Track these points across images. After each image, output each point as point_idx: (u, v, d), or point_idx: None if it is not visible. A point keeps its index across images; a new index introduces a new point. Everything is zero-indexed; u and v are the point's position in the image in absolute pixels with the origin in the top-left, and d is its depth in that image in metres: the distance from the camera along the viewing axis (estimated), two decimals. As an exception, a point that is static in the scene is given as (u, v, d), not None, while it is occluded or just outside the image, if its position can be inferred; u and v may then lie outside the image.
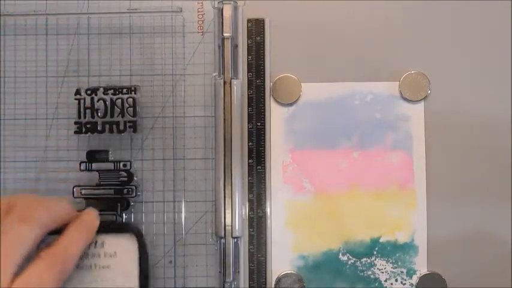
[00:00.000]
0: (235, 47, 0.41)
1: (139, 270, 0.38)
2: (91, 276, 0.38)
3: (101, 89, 0.41)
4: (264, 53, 0.42)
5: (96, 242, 0.38)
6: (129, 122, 0.41)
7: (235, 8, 0.41)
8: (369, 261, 0.42)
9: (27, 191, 0.42)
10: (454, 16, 0.43)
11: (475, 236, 0.42)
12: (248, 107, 0.42)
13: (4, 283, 0.31)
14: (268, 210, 0.42)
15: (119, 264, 0.38)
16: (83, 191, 0.41)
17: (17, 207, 0.34)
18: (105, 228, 0.38)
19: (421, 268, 0.42)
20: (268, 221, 0.42)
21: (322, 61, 0.43)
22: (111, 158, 0.42)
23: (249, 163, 0.42)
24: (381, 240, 0.42)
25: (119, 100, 0.41)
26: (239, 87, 0.41)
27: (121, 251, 0.38)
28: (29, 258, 0.33)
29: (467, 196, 0.42)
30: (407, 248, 0.42)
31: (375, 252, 0.42)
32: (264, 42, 0.43)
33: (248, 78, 0.42)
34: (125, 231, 0.39)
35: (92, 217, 0.38)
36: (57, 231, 0.35)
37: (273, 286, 0.42)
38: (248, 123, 0.42)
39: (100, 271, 0.38)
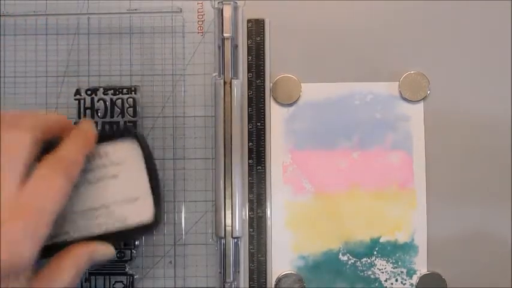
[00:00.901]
0: (235, 47, 0.41)
1: (147, 171, 0.37)
2: (101, 190, 0.37)
3: (101, 89, 0.41)
4: (264, 53, 0.43)
5: (99, 153, 0.37)
6: (129, 122, 0.41)
7: (235, 8, 0.41)
8: (369, 261, 0.42)
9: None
10: (454, 16, 0.43)
11: (475, 236, 0.42)
12: (248, 107, 0.42)
13: (11, 192, 0.31)
14: (268, 210, 0.42)
15: (126, 171, 0.37)
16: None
17: (5, 117, 0.33)
18: (105, 138, 0.37)
19: (421, 268, 0.42)
20: (268, 221, 0.42)
21: (322, 61, 0.43)
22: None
23: (249, 163, 0.42)
24: (381, 240, 0.42)
25: (119, 100, 0.41)
26: (239, 87, 0.41)
27: (125, 157, 0.37)
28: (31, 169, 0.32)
29: (467, 196, 0.42)
30: (407, 248, 0.42)
31: (375, 252, 0.42)
32: (264, 42, 0.43)
33: (248, 78, 0.42)
34: (125, 137, 0.38)
35: (89, 125, 0.37)
36: (54, 146, 0.34)
37: (273, 286, 0.42)
38: (248, 123, 0.42)
39: (109, 182, 0.37)
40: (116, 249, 0.38)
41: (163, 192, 0.42)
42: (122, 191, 0.37)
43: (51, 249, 0.35)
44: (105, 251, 0.36)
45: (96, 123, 0.41)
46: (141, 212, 0.37)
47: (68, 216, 0.36)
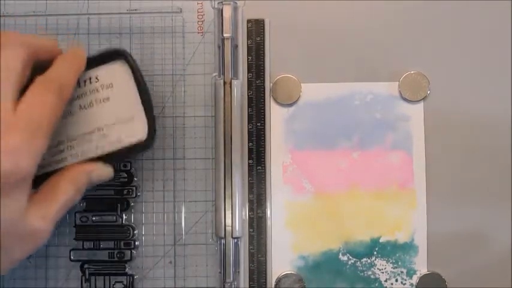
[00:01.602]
0: (235, 47, 0.41)
1: (138, 91, 0.38)
2: (95, 114, 0.38)
3: (101, 89, 0.42)
4: (263, 53, 0.43)
5: (90, 78, 0.38)
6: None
7: (235, 9, 0.41)
8: (369, 261, 0.42)
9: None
10: (454, 16, 0.43)
11: (475, 236, 0.42)
12: (248, 107, 0.42)
13: (6, 108, 0.31)
14: (268, 210, 0.42)
15: (118, 93, 0.38)
16: (83, 191, 0.41)
17: None
18: (95, 62, 0.38)
19: (421, 268, 0.42)
20: (268, 221, 0.42)
21: (322, 61, 0.43)
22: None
23: (249, 163, 0.42)
24: (381, 240, 0.42)
25: (119, 100, 0.41)
26: (239, 87, 0.41)
27: (116, 79, 0.38)
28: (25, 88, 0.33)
29: (467, 196, 0.42)
30: (407, 248, 0.42)
31: (375, 252, 0.42)
32: (263, 42, 0.43)
33: (248, 78, 0.42)
34: (114, 59, 0.38)
35: (78, 48, 0.37)
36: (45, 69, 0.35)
37: (273, 286, 0.42)
38: (248, 123, 0.42)
39: (102, 105, 0.38)
40: (111, 246, 0.38)
41: (164, 193, 0.42)
42: (115, 112, 0.38)
43: (49, 177, 0.36)
44: (103, 170, 0.37)
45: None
46: (135, 131, 0.38)
47: (62, 143, 0.37)
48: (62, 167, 0.37)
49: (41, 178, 0.35)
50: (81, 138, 0.37)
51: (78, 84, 0.37)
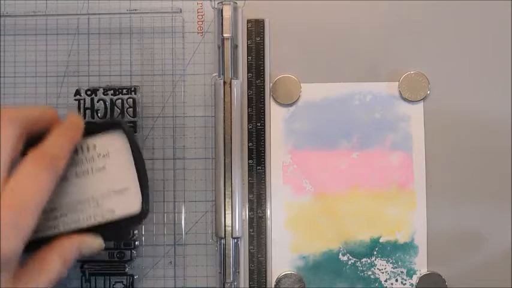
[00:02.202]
0: (235, 47, 0.41)
1: (134, 162, 0.37)
2: (89, 183, 0.37)
3: (101, 90, 0.41)
4: (263, 53, 0.43)
5: (88, 146, 0.37)
6: (129, 122, 0.41)
7: (235, 9, 0.41)
8: (369, 261, 0.42)
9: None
10: (454, 16, 0.43)
11: (475, 236, 0.42)
12: (248, 107, 0.42)
13: None
14: (268, 210, 0.42)
15: (114, 163, 0.37)
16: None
17: None
18: (92, 130, 0.37)
19: (421, 268, 0.42)
20: (268, 222, 0.42)
21: (321, 61, 0.43)
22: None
23: (249, 163, 0.42)
24: (381, 240, 0.42)
25: (119, 100, 0.41)
26: (239, 87, 0.41)
27: (113, 149, 0.37)
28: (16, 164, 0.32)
29: (467, 196, 0.42)
30: (407, 248, 0.42)
31: (375, 253, 0.42)
32: (263, 42, 0.43)
33: (248, 78, 0.42)
34: (112, 129, 0.38)
35: (76, 118, 0.37)
36: (40, 139, 0.34)
37: (273, 286, 0.42)
38: (248, 123, 0.42)
39: (97, 175, 0.37)
40: (111, 246, 0.38)
41: (164, 193, 0.42)
42: (109, 183, 0.37)
43: (39, 243, 0.35)
44: (93, 242, 0.36)
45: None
46: (129, 203, 0.37)
47: (55, 210, 0.36)
48: (54, 233, 0.36)
49: (30, 243, 0.33)
50: (74, 206, 0.37)
51: (76, 151, 0.37)
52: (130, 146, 0.37)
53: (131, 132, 0.38)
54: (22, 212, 0.31)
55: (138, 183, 0.37)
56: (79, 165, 0.37)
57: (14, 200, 0.31)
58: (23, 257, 0.32)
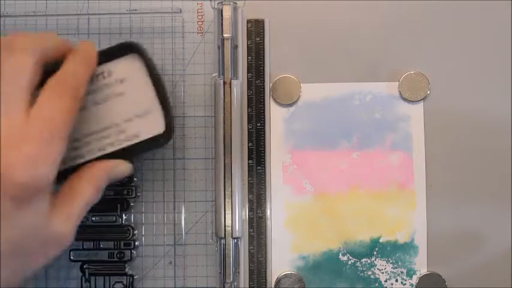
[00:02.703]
0: (235, 47, 0.41)
1: (152, 84, 0.37)
2: (110, 109, 0.37)
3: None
4: (263, 53, 0.43)
5: (103, 72, 0.37)
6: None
7: (235, 9, 0.41)
8: (369, 261, 0.42)
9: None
10: (454, 16, 0.43)
11: (475, 236, 0.42)
12: (248, 107, 0.42)
13: (20, 118, 0.31)
14: (268, 210, 0.42)
15: (132, 87, 0.37)
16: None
17: (3, 41, 0.32)
18: (106, 57, 0.37)
19: (421, 268, 0.42)
20: (268, 222, 0.42)
21: (321, 61, 0.43)
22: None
23: (249, 164, 0.42)
24: (381, 240, 0.42)
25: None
26: (239, 87, 0.41)
27: (129, 74, 0.37)
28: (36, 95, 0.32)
29: (467, 196, 0.42)
30: (407, 248, 0.42)
31: (375, 253, 0.42)
32: (263, 42, 0.43)
33: (248, 78, 0.42)
34: (126, 53, 0.38)
35: (88, 44, 0.36)
36: (56, 69, 0.34)
37: (273, 286, 0.42)
38: (248, 123, 0.42)
39: (116, 100, 0.37)
40: (111, 246, 0.38)
41: (164, 193, 0.42)
42: (130, 107, 0.37)
43: (67, 173, 0.35)
44: (122, 166, 0.37)
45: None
46: (151, 124, 0.37)
47: (79, 140, 0.37)
48: (80, 163, 0.36)
49: (59, 174, 0.34)
50: (97, 134, 0.37)
51: (91, 79, 0.37)
52: (148, 68, 0.37)
53: (146, 53, 0.38)
54: (51, 139, 0.31)
55: (159, 104, 0.37)
56: (96, 92, 0.37)
57: (41, 127, 0.31)
58: (54, 188, 0.33)
